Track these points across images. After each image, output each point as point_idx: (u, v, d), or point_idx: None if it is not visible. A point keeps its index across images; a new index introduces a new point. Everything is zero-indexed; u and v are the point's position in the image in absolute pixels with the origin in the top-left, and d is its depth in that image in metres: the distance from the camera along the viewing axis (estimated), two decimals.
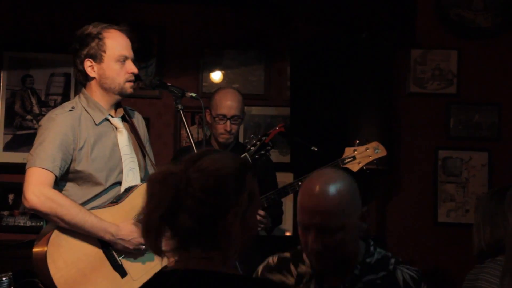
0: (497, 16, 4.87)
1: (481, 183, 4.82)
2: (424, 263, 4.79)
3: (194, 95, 3.20)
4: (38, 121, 4.79)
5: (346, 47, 4.47)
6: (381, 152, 3.62)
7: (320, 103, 4.37)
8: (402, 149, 4.85)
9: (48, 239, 2.91)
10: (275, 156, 4.80)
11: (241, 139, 4.82)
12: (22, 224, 4.73)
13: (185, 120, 3.15)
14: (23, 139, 4.79)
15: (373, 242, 2.26)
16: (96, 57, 3.09)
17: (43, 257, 2.87)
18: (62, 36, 4.84)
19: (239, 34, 4.92)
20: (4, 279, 3.24)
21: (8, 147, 4.78)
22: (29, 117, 4.81)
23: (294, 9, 4.83)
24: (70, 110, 3.04)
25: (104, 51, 3.11)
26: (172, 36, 4.89)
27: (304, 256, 2.25)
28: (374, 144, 3.63)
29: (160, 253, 1.74)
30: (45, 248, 2.89)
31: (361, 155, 3.58)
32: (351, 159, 3.57)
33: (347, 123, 4.31)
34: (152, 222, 1.72)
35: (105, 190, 3.05)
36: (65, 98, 4.81)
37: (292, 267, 2.26)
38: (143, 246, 2.97)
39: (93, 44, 3.11)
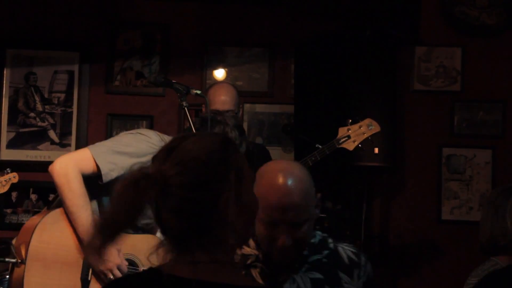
0: (502, 14, 4.86)
1: (485, 180, 4.82)
2: (428, 261, 4.79)
3: (199, 92, 3.20)
4: (41, 119, 4.80)
5: (350, 45, 4.46)
6: (375, 128, 3.61)
7: (324, 100, 4.37)
8: (406, 146, 4.84)
9: (47, 214, 2.94)
10: (278, 153, 4.80)
11: None
12: (25, 222, 4.72)
13: (190, 118, 3.15)
14: (26, 137, 4.78)
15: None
16: None
17: (33, 225, 2.90)
18: (65, 33, 4.84)
19: (243, 32, 4.91)
20: (7, 276, 3.24)
21: (11, 145, 4.77)
22: (32, 114, 4.81)
23: (298, 7, 4.82)
24: (160, 140, 3.04)
25: None
26: (176, 33, 4.89)
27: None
28: (367, 121, 3.62)
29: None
30: (39, 219, 2.92)
31: (356, 133, 3.57)
32: (346, 138, 3.56)
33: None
34: (116, 224, 1.54)
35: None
36: (69, 95, 4.81)
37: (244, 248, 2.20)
38: (112, 276, 2.96)
39: None
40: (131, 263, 3.09)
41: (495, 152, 4.83)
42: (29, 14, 4.83)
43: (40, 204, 4.72)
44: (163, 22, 4.89)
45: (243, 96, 4.25)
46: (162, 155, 1.58)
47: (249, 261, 2.16)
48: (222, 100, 3.84)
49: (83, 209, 2.92)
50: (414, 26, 4.81)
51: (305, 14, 4.81)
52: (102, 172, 2.95)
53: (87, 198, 2.96)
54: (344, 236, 4.63)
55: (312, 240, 2.21)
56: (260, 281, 2.12)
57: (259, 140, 4.84)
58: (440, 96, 4.87)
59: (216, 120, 3.23)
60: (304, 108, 4.43)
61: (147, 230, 3.23)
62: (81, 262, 2.96)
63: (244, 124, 4.81)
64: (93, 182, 3.01)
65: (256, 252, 2.17)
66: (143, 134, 3.09)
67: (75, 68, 4.81)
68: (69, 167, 2.94)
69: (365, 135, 3.57)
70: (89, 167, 2.97)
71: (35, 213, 4.72)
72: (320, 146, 3.77)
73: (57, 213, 2.98)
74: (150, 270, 1.57)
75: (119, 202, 1.54)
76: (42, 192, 4.74)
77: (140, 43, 4.88)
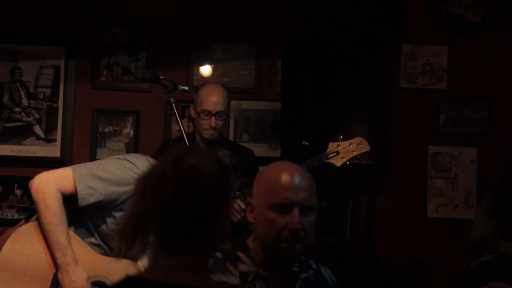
0: (488, 12, 4.88)
1: (470, 178, 4.84)
2: (412, 258, 4.81)
3: (186, 88, 3.21)
4: (26, 114, 4.77)
5: (337, 42, 4.47)
6: (365, 147, 3.65)
7: (311, 97, 4.37)
8: (392, 144, 4.86)
9: (23, 224, 2.93)
10: (265, 150, 4.80)
11: (231, 134, 4.82)
12: (10, 217, 4.70)
13: (177, 114, 3.15)
14: (12, 132, 4.75)
15: None
16: None
17: (8, 234, 2.88)
18: (51, 28, 4.82)
19: (230, 28, 4.90)
20: None
21: None
22: (17, 109, 4.78)
23: (286, 4, 4.82)
24: None
25: None
26: (163, 29, 4.87)
27: (240, 255, 2.22)
28: (358, 139, 3.66)
29: (133, 258, 1.69)
30: (15, 229, 2.92)
31: (345, 150, 3.61)
32: (335, 154, 3.59)
33: (338, 118, 4.31)
34: (129, 227, 1.67)
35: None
36: (54, 90, 4.78)
37: (229, 266, 2.22)
38: None
39: None
40: (101, 284, 3.05)
41: (481, 150, 4.85)
42: (15, 8, 4.80)
43: (25, 200, 4.70)
44: (150, 18, 4.88)
45: (229, 92, 4.24)
46: (170, 162, 1.68)
47: (250, 278, 2.18)
48: (214, 101, 3.84)
49: (58, 227, 2.89)
50: (401, 24, 4.82)
51: (292, 11, 4.82)
52: (79, 196, 2.92)
53: (64, 217, 2.92)
54: (330, 233, 4.64)
55: (301, 258, 2.24)
56: None
57: (245, 137, 4.83)
58: (426, 94, 4.89)
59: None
60: (291, 105, 4.44)
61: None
62: (50, 277, 2.94)
63: (231, 120, 4.81)
64: (72, 204, 2.98)
65: (254, 268, 2.19)
66: (130, 162, 3.04)
67: (61, 63, 4.79)
68: (48, 184, 2.90)
69: (354, 153, 3.61)
70: (68, 188, 2.94)
71: (19, 208, 4.70)
72: (307, 143, 3.78)
73: (32, 225, 2.95)
74: (127, 278, 1.66)
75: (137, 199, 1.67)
76: (27, 188, 4.66)
77: (127, 39, 4.86)
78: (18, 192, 4.73)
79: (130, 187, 2.91)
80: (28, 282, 2.90)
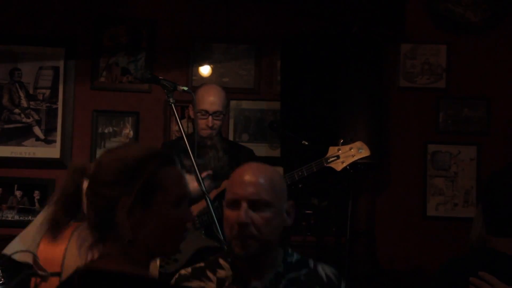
0: (486, 11, 4.88)
1: (469, 177, 4.85)
2: (412, 257, 4.82)
3: (186, 88, 3.21)
4: (26, 115, 4.77)
5: (336, 42, 4.47)
6: (365, 152, 3.67)
7: (311, 97, 4.37)
8: (392, 143, 4.86)
9: (78, 226, 2.94)
10: (265, 150, 4.81)
11: (231, 134, 4.83)
12: (10, 219, 4.70)
13: (177, 115, 3.15)
14: (11, 133, 4.76)
15: (291, 249, 2.30)
16: None
17: (66, 237, 2.89)
18: (50, 29, 4.82)
19: (229, 28, 4.90)
20: None
21: None
22: (17, 110, 4.78)
23: (285, 3, 4.82)
24: None
25: None
26: (162, 29, 4.87)
27: (221, 261, 2.24)
28: (358, 144, 3.67)
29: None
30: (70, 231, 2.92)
31: (345, 154, 3.62)
32: (335, 158, 3.60)
33: (337, 117, 4.31)
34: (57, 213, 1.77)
35: None
36: (54, 91, 4.78)
37: (209, 273, 2.23)
38: None
39: None
40: None
41: (480, 148, 4.86)
42: (14, 10, 4.80)
43: (25, 201, 4.70)
44: (149, 18, 4.88)
45: (229, 92, 4.25)
46: (104, 152, 1.79)
47: (226, 284, 2.18)
48: (211, 101, 3.87)
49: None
50: (399, 23, 4.83)
51: (291, 11, 4.82)
52: None
53: None
54: (330, 232, 4.65)
55: (289, 259, 2.25)
56: None
57: (245, 137, 4.84)
58: (426, 93, 4.89)
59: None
60: (291, 104, 4.44)
61: None
62: None
63: (230, 121, 4.81)
64: None
65: (231, 273, 2.20)
66: None
67: (61, 64, 4.79)
68: None
69: (354, 158, 3.62)
70: None
71: (19, 209, 4.70)
72: (307, 143, 3.79)
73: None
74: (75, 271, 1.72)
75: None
76: (27, 189, 4.72)
77: (126, 39, 4.86)
78: (18, 193, 4.73)
79: None
80: None
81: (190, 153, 3.07)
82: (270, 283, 2.18)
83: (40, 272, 2.89)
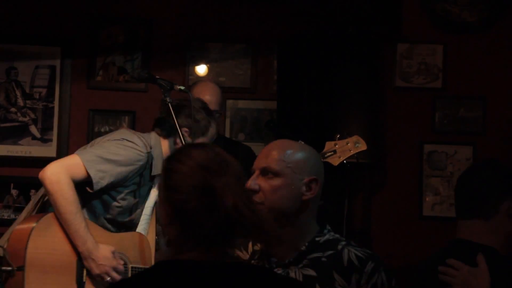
0: (483, 11, 4.89)
1: None
2: (408, 257, 4.82)
3: (183, 87, 3.22)
4: (22, 114, 4.76)
5: (333, 41, 4.48)
6: (362, 146, 3.65)
7: (307, 96, 4.38)
8: (388, 142, 4.87)
9: (40, 218, 2.94)
10: (261, 149, 4.80)
11: (227, 133, 4.83)
12: (6, 217, 4.70)
13: (174, 113, 3.16)
14: (7, 132, 4.75)
15: (329, 227, 2.29)
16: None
17: (28, 230, 2.90)
18: (47, 28, 4.81)
19: (226, 28, 4.91)
20: None
21: None
22: (13, 109, 4.77)
23: (281, 3, 4.82)
24: (147, 152, 3.14)
25: None
26: (159, 29, 4.87)
27: None
28: (355, 138, 3.66)
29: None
30: (33, 224, 2.93)
31: (342, 149, 3.61)
32: (332, 153, 3.60)
33: (333, 117, 4.32)
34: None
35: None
36: (50, 90, 4.78)
37: (250, 245, 2.30)
38: (109, 278, 2.99)
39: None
40: (122, 258, 3.12)
41: (476, 148, 4.87)
42: (10, 8, 4.79)
43: (21, 200, 4.70)
44: (146, 18, 4.88)
45: (225, 92, 4.25)
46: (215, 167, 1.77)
47: (256, 256, 2.23)
48: (207, 99, 3.84)
49: (77, 215, 2.94)
50: (396, 23, 4.84)
51: (287, 11, 4.82)
52: (94, 181, 2.99)
53: (79, 205, 2.98)
54: None
55: (317, 238, 2.22)
56: None
57: (241, 136, 4.84)
58: (422, 92, 4.90)
59: (182, 105, 3.26)
60: (287, 104, 4.45)
61: (130, 226, 3.24)
62: (75, 265, 2.98)
63: (227, 120, 4.81)
64: (80, 188, 3.03)
65: (261, 247, 2.25)
66: (130, 141, 3.12)
67: (57, 63, 4.79)
68: (61, 174, 2.94)
69: (351, 152, 3.61)
70: (80, 174, 3.00)
71: (15, 208, 4.69)
72: (303, 143, 3.78)
73: (49, 217, 2.98)
74: (159, 263, 1.74)
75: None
76: (23, 188, 4.71)
77: (123, 39, 4.86)
78: (14, 192, 4.73)
79: (135, 166, 3.09)
80: (58, 274, 2.94)
81: None
82: (289, 261, 2.18)
83: (4, 268, 2.91)
